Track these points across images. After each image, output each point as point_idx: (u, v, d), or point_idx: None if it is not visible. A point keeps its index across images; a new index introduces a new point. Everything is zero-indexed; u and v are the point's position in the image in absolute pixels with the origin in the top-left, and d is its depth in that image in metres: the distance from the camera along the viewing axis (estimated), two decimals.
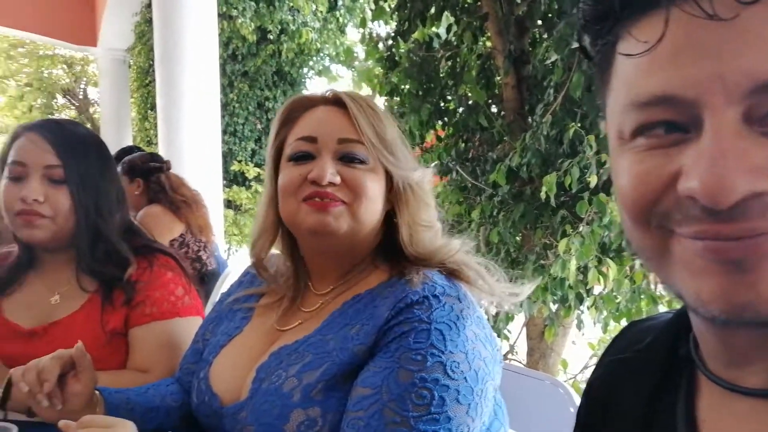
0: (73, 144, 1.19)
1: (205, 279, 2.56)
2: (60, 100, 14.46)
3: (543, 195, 1.99)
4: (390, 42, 2.72)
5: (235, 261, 3.36)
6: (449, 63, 2.60)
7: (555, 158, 2.07)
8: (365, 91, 2.98)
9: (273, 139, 0.95)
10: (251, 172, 6.64)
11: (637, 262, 2.08)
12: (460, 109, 2.65)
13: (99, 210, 1.20)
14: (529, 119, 2.33)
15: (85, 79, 14.21)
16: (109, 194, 1.24)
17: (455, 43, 2.59)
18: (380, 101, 2.76)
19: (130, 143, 8.46)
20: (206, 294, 2.41)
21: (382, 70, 2.79)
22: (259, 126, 6.92)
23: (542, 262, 2.23)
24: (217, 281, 2.48)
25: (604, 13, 0.43)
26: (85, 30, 8.47)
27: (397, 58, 2.69)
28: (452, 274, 0.86)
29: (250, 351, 0.92)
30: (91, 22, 8.47)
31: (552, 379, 1.16)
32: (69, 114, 14.30)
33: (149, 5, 5.54)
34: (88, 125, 12.54)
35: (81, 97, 14.43)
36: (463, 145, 2.68)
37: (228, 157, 6.41)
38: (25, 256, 1.24)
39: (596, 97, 1.89)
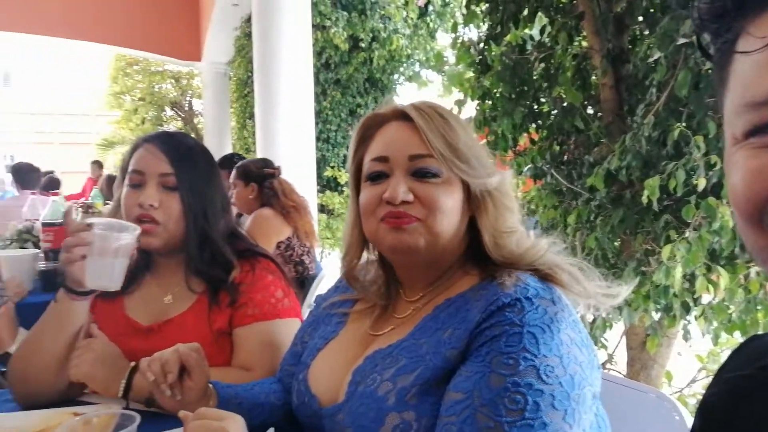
0: (184, 153, 1.27)
1: (306, 282, 2.66)
2: (168, 112, 15.48)
3: (644, 199, 1.90)
4: (482, 46, 2.69)
5: (328, 264, 3.44)
6: (543, 65, 2.54)
7: (657, 161, 1.97)
8: (456, 95, 2.97)
9: (351, 158, 0.98)
10: (343, 177, 6.80)
11: (753, 270, 1.93)
12: (555, 112, 2.58)
13: (206, 215, 1.27)
14: (629, 120, 2.23)
15: (190, 92, 15.13)
16: (215, 201, 1.31)
17: (549, 44, 2.53)
18: (472, 106, 2.74)
19: (231, 151, 8.93)
20: (304, 297, 2.50)
21: (473, 74, 2.77)
22: (351, 132, 7.07)
23: (643, 268, 2.12)
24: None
25: (721, 11, 0.42)
26: (191, 46, 9.03)
27: (489, 62, 2.66)
28: (545, 277, 0.84)
29: (346, 354, 0.95)
30: (196, 39, 9.00)
31: (656, 391, 1.10)
32: (176, 125, 15.28)
33: (248, 20, 5.82)
34: (193, 135, 13.33)
35: (187, 108, 15.38)
36: (557, 148, 2.60)
37: (321, 163, 6.60)
38: (143, 260, 1.34)
39: (706, 96, 1.78)
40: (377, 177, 0.91)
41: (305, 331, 1.09)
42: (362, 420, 0.82)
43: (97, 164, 9.03)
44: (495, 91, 2.64)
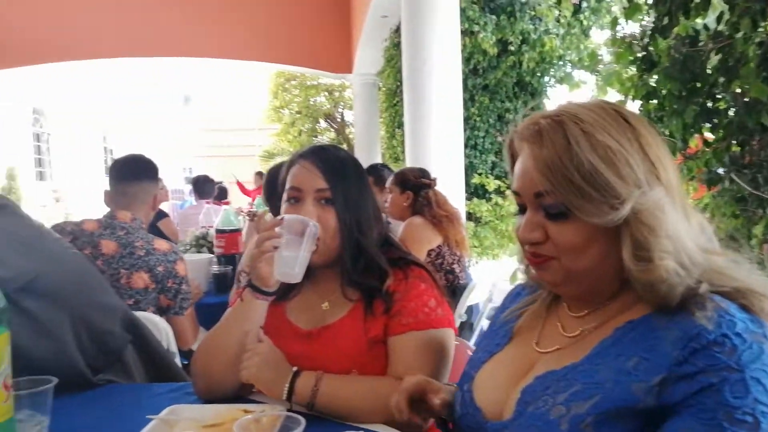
0: (337, 168, 1.30)
1: (456, 292, 2.66)
2: (322, 123, 16.39)
3: None
4: (646, 40, 2.49)
5: (475, 273, 3.40)
6: (719, 57, 2.28)
7: None
8: (613, 95, 2.78)
9: (510, 170, 0.94)
10: (491, 184, 6.68)
11: None
12: (734, 109, 2.30)
13: (360, 227, 1.29)
14: None
15: (342, 103, 15.88)
16: (367, 211, 1.32)
17: (727, 33, 2.26)
18: (634, 106, 2.54)
19: (379, 159, 9.19)
20: (455, 306, 2.49)
21: (636, 72, 2.57)
22: (499, 138, 6.95)
23: None
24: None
25: None
26: (343, 60, 9.45)
27: (654, 58, 2.44)
28: (744, 306, 0.73)
29: (510, 370, 0.92)
30: (347, 53, 9.42)
31: None
32: (329, 135, 16.12)
33: (397, 30, 5.95)
34: (344, 145, 13.97)
35: (339, 120, 16.16)
36: (738, 149, 2.32)
37: (469, 170, 6.55)
38: None
39: None
40: (519, 209, 0.88)
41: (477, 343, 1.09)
42: None
43: (260, 175, 9.78)
44: (662, 89, 2.42)
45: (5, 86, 10.67)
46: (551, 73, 7.06)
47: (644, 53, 2.48)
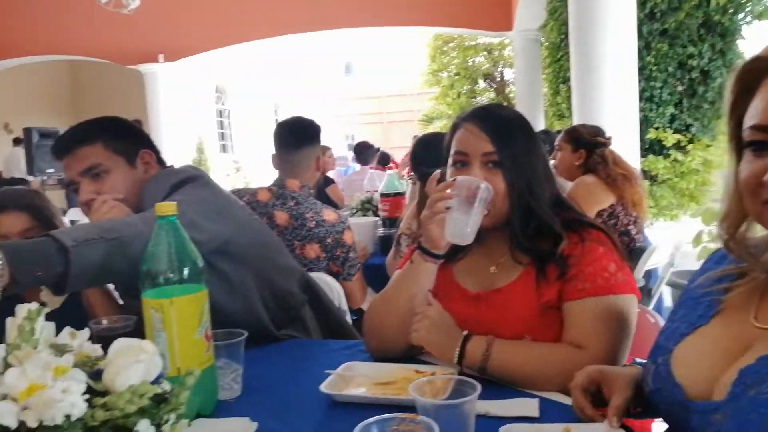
0: (503, 129, 1.25)
1: (632, 255, 2.49)
2: (481, 84, 16.08)
3: None
4: None
5: (652, 236, 3.13)
6: None
7: None
8: None
9: (728, 112, 0.80)
10: (669, 139, 6.08)
11: None
12: None
13: (530, 189, 1.23)
14: None
15: (501, 62, 15.44)
16: (537, 172, 1.26)
17: None
18: None
19: (542, 118, 8.82)
20: (632, 270, 2.32)
21: None
22: (679, 88, 6.27)
23: None
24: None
25: None
26: (502, 17, 9.21)
27: None
28: None
29: (722, 346, 0.81)
30: (507, 9, 9.14)
31: None
32: (488, 96, 15.79)
33: None
34: (505, 104, 13.60)
35: (498, 79, 15.74)
36: None
37: (643, 124, 6.00)
38: None
39: None
40: (760, 148, 0.73)
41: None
42: (752, 428, 0.69)
43: None
44: None
45: (194, 69, 11.93)
46: (747, 8, 6.16)
47: None
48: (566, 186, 2.74)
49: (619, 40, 3.84)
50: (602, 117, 3.75)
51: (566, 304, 1.18)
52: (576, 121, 3.98)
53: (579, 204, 1.40)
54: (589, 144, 2.79)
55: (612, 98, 3.85)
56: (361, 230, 2.69)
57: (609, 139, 2.82)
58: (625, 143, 3.72)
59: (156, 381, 0.73)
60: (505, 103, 14.17)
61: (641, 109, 5.63)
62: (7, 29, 10.39)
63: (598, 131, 2.87)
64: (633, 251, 2.57)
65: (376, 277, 2.39)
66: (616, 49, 3.83)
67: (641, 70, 5.94)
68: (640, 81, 4.81)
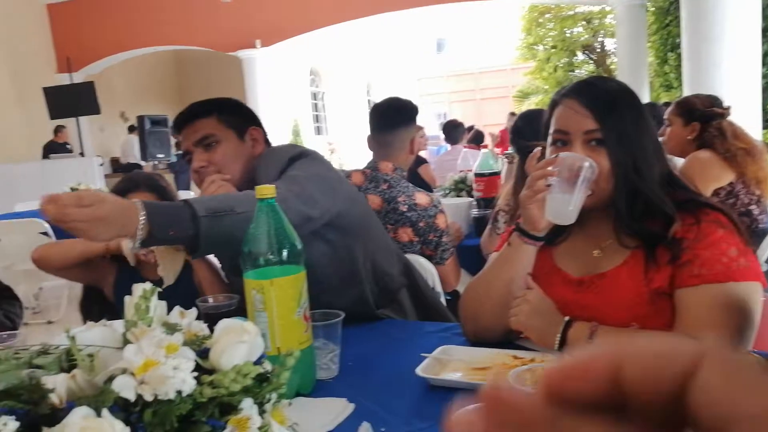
0: (607, 104, 1.17)
1: (755, 237, 2.28)
2: (579, 56, 15.36)
3: None
4: None
5: None
6: None
7: None
8: None
9: None
10: None
11: None
12: None
13: (637, 167, 1.15)
14: None
15: (602, 32, 14.64)
16: (645, 148, 1.17)
17: None
18: None
19: (647, 90, 8.28)
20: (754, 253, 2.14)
21: None
22: None
23: None
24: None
25: None
26: None
27: None
28: None
29: None
30: None
31: None
32: (587, 68, 15.06)
33: None
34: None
35: (598, 50, 14.95)
36: None
37: (766, 92, 5.48)
38: None
39: None
40: None
41: None
42: None
43: (513, 115, 9.62)
44: None
45: (289, 53, 12.25)
46: None
47: None
48: (678, 164, 2.54)
49: (739, 1, 3.51)
50: (719, 86, 3.46)
51: (679, 291, 1.10)
52: (687, 91, 3.70)
53: (694, 182, 1.29)
54: (703, 115, 2.55)
55: (730, 64, 3.53)
56: (455, 211, 2.65)
57: (727, 109, 2.57)
58: (745, 114, 3.41)
59: (258, 361, 0.75)
60: (606, 76, 13.47)
61: (764, 76, 5.13)
62: (120, 25, 11.18)
63: (714, 101, 2.62)
64: (755, 233, 2.35)
65: (470, 258, 2.35)
66: (735, 11, 3.50)
67: (764, 31, 5.41)
68: (763, 44, 4.38)
